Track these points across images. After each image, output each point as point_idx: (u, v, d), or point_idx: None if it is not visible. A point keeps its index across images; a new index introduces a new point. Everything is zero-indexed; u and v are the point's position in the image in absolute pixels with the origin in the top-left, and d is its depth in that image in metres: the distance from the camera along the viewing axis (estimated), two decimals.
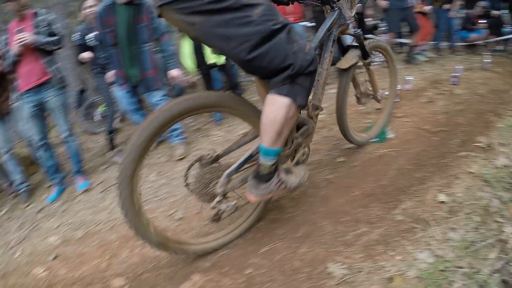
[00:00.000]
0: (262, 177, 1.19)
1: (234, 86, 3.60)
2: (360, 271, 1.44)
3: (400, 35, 6.01)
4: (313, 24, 4.57)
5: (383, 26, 6.53)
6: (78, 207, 2.65)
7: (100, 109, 4.33)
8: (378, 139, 2.65)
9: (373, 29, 6.86)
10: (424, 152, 2.55)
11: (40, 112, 2.87)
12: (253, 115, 1.34)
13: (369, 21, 6.73)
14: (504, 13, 7.71)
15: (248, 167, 1.37)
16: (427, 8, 5.79)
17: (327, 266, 1.47)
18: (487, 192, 2.08)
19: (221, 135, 3.31)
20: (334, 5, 1.57)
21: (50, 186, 3.05)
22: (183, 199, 2.29)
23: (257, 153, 1.26)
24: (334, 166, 2.39)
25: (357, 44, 1.85)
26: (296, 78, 1.04)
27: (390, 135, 2.88)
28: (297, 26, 4.03)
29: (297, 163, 1.47)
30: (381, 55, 2.30)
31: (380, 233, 1.69)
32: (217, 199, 1.33)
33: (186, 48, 3.29)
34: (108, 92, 3.49)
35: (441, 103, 3.72)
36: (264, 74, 1.04)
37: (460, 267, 1.49)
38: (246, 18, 0.93)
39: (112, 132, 3.45)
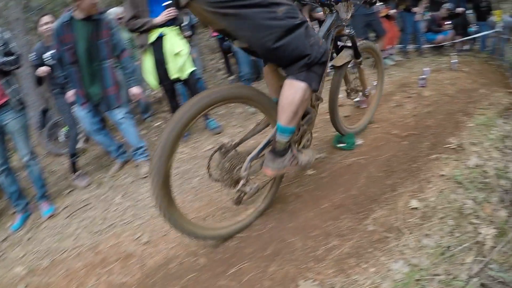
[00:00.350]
0: (278, 153, 1.47)
1: None
2: (333, 287, 1.44)
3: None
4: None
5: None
6: (43, 234, 2.70)
7: (64, 130, 4.38)
8: (347, 146, 2.68)
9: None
10: (394, 158, 2.61)
11: (0, 136, 2.87)
12: (267, 105, 1.60)
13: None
14: (469, 13, 8.40)
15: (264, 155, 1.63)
16: (392, 12, 6.15)
17: (298, 284, 1.48)
18: (460, 194, 2.16)
19: (188, 152, 3.39)
20: (333, 8, 1.90)
21: (14, 213, 3.09)
22: (149, 222, 2.36)
23: (273, 139, 1.51)
24: (303, 179, 2.43)
25: (350, 45, 2.22)
26: (312, 66, 1.29)
27: (358, 142, 2.93)
28: None
29: (303, 148, 1.77)
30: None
31: (352, 245, 1.70)
32: (242, 182, 1.56)
33: (147, 63, 3.37)
34: (70, 112, 3.54)
35: (410, 106, 3.88)
36: (284, 62, 1.29)
37: (437, 275, 1.50)
38: (272, 14, 1.16)
39: (74, 155, 3.48)
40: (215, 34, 5.97)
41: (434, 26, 7.37)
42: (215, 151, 1.67)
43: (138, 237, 2.21)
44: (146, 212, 2.49)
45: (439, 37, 7.29)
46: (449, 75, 5.38)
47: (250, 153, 1.60)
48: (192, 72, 3.46)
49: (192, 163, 3.10)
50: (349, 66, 2.43)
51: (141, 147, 3.27)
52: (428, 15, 7.81)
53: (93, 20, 2.93)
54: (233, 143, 1.69)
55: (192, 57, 3.69)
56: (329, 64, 2.11)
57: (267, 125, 1.75)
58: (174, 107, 3.61)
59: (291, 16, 1.24)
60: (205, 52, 8.00)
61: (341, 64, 2.23)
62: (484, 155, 2.87)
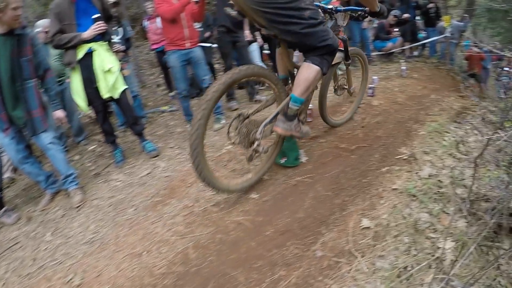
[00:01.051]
0: (288, 117, 2.10)
1: (133, 122, 3.78)
2: None
3: None
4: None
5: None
6: None
7: None
8: (289, 161, 2.76)
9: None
10: (343, 174, 2.69)
11: None
12: (276, 81, 2.32)
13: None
14: (418, 19, 9.23)
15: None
16: None
17: None
18: (414, 207, 2.25)
19: (122, 180, 3.50)
20: (333, 15, 2.62)
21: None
22: (81, 261, 2.41)
23: (286, 107, 2.16)
24: (244, 204, 2.42)
25: (342, 48, 2.95)
26: (325, 55, 1.95)
27: (303, 159, 2.98)
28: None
29: (301, 122, 2.41)
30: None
31: (300, 274, 1.69)
32: (257, 143, 2.17)
33: (75, 83, 3.42)
34: None
35: (359, 117, 4.00)
36: (306, 48, 1.97)
37: None
38: (301, 15, 1.81)
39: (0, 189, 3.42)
40: (154, 47, 6.02)
41: (383, 33, 7.97)
42: (234, 119, 2.32)
43: (70, 279, 2.26)
44: (78, 250, 2.55)
45: (388, 44, 7.89)
46: (399, 82, 5.79)
47: (263, 121, 2.26)
48: (124, 91, 3.55)
49: (127, 192, 3.21)
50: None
51: (70, 175, 3.34)
52: (375, 23, 8.47)
53: (15, 35, 2.91)
54: (248, 113, 2.33)
55: (126, 74, 3.71)
56: None
57: (275, 101, 2.49)
58: (107, 130, 3.72)
59: (313, 17, 1.94)
60: (144, 67, 8.18)
61: (332, 63, 2.67)
62: (438, 163, 3.07)
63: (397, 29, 7.91)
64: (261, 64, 5.64)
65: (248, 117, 2.34)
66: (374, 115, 4.08)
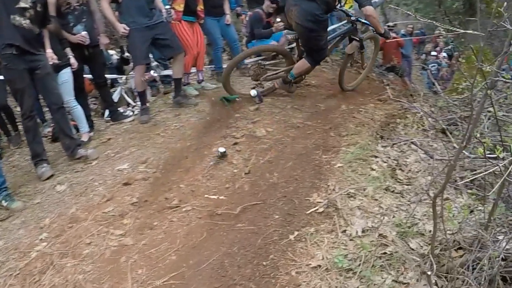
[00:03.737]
0: (285, 81, 6.12)
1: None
2: None
3: (155, 66, 7.49)
4: None
5: (131, 58, 7.33)
6: None
7: None
8: None
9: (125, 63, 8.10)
10: (228, 260, 2.66)
11: None
12: (289, 55, 6.51)
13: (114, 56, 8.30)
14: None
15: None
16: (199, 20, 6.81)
17: None
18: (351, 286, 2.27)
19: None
20: (354, 23, 6.33)
21: None
22: None
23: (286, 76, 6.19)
24: None
25: (358, 39, 6.38)
26: (315, 58, 6.00)
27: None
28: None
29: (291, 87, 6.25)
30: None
31: None
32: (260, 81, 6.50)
33: None
34: None
35: (239, 157, 4.18)
36: (309, 50, 5.99)
37: None
38: (318, 36, 5.74)
39: None
40: None
41: (259, 26, 8.26)
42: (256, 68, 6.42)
43: None
44: None
45: (272, 43, 8.23)
46: (291, 95, 6.06)
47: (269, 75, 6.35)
48: None
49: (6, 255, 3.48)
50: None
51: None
52: (247, 15, 8.80)
53: None
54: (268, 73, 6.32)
55: None
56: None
57: (290, 68, 6.08)
58: None
59: (322, 38, 5.78)
60: None
61: (350, 52, 6.49)
62: (372, 208, 3.18)
63: (279, 19, 8.29)
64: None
65: (266, 71, 6.31)
66: (263, 151, 4.21)
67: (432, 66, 12.91)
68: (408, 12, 6.23)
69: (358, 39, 6.39)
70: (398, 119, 4.98)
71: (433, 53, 13.62)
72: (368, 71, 7.27)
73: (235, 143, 4.48)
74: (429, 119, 4.62)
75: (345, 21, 7.85)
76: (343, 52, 8.15)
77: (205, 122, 5.37)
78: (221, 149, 4.30)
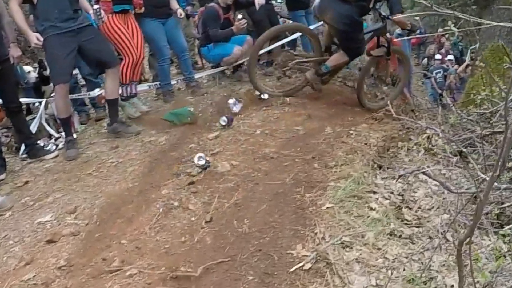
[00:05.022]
0: (319, 74, 7.43)
1: None
2: None
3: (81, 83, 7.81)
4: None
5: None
6: None
7: None
8: None
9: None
10: None
11: None
12: (315, 36, 8.21)
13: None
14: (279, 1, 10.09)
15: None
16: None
17: None
18: None
19: None
20: (384, 20, 7.56)
21: None
22: None
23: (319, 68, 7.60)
24: None
25: (385, 44, 7.52)
26: (354, 51, 7.48)
27: None
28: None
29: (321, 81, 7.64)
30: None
31: None
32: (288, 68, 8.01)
33: None
34: None
35: (198, 201, 4.12)
36: (345, 48, 7.36)
37: None
38: (354, 36, 7.25)
39: None
40: None
41: (215, 25, 8.28)
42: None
43: None
44: None
45: (234, 51, 8.25)
46: (261, 117, 6.06)
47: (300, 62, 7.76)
48: None
49: None
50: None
51: None
52: (196, 12, 8.84)
53: None
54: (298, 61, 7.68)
55: None
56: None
57: (323, 56, 7.47)
58: None
59: (358, 39, 7.18)
60: None
61: (376, 55, 7.45)
62: (375, 259, 3.13)
63: (240, 17, 8.33)
64: None
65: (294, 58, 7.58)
66: (228, 192, 4.16)
67: (436, 73, 13.03)
68: (402, 8, 6.53)
69: (386, 44, 7.36)
70: (399, 142, 4.98)
71: (437, 56, 13.78)
72: (403, 84, 8.15)
73: (191, 183, 4.41)
74: (440, 139, 4.61)
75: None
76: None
77: (151, 156, 5.31)
78: (200, 160, 4.39)
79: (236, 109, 6.12)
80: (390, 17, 7.10)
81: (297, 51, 9.22)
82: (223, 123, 5.60)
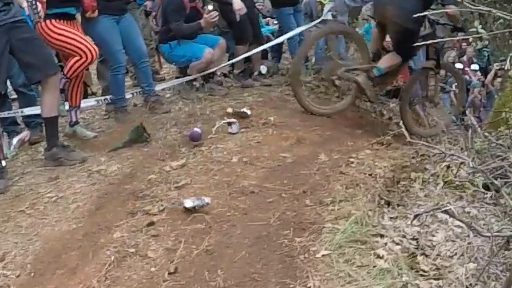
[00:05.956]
0: (370, 78, 8.30)
1: None
2: None
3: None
4: None
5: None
6: None
7: None
8: None
9: None
10: None
11: None
12: (361, 41, 9.36)
13: None
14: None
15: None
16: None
17: None
18: None
19: None
20: (433, 25, 8.72)
21: None
22: None
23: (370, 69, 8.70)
24: None
25: (434, 56, 8.89)
26: (407, 52, 8.52)
27: None
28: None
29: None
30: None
31: None
32: (337, 77, 9.06)
33: None
34: None
35: (156, 247, 4.08)
36: (400, 48, 8.31)
37: None
38: (415, 35, 8.20)
39: None
40: None
41: (180, 16, 8.30)
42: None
43: None
44: None
45: (206, 52, 8.26)
46: (237, 141, 6.04)
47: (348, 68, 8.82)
48: None
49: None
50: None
51: None
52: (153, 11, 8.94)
53: None
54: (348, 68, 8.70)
55: None
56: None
57: (369, 63, 8.39)
58: None
59: (415, 38, 7.63)
60: None
61: (424, 66, 8.71)
62: None
63: (211, 8, 8.39)
64: None
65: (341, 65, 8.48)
66: (197, 235, 4.15)
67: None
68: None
69: (435, 57, 8.34)
70: (412, 172, 4.98)
71: (458, 65, 13.87)
72: (461, 103, 9.61)
73: (151, 224, 4.38)
74: (463, 169, 4.60)
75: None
76: (316, 69, 9.83)
77: (99, 189, 5.28)
78: (188, 202, 4.39)
79: (233, 129, 6.08)
80: (440, 21, 7.90)
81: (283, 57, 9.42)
82: (234, 131, 5.63)
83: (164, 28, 8.20)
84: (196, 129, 6.05)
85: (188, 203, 4.29)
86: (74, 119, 6.86)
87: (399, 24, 7.23)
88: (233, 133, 6.15)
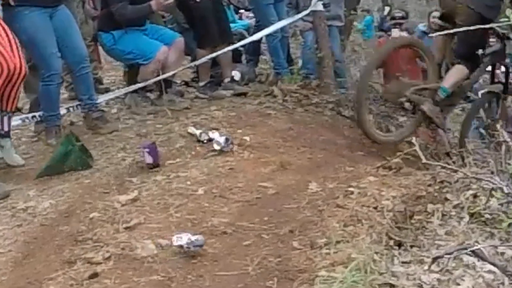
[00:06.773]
0: (434, 102, 9.49)
1: None
2: None
3: None
4: None
5: None
6: None
7: None
8: None
9: None
10: None
11: None
12: (431, 55, 10.28)
13: None
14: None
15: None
16: None
17: None
18: None
19: None
20: (503, 40, 9.99)
21: None
22: None
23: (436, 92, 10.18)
24: None
25: (504, 81, 10.46)
26: (475, 62, 10.76)
27: None
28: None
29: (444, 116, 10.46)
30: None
31: None
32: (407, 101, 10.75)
33: None
34: None
35: None
36: (471, 54, 10.26)
37: None
38: (471, 38, 10.61)
39: None
40: None
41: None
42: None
43: None
44: None
45: (161, 51, 8.29)
46: (204, 168, 5.98)
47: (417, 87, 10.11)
48: None
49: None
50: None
51: None
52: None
53: None
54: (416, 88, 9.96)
55: None
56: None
57: (439, 78, 9.76)
58: None
59: (477, 43, 10.14)
60: None
61: (489, 90, 9.67)
62: None
63: None
64: None
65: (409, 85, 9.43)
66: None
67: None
68: None
69: (503, 79, 9.07)
70: (429, 204, 4.87)
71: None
72: None
73: (94, 275, 4.27)
74: (495, 198, 4.54)
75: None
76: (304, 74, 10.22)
77: (28, 232, 5.23)
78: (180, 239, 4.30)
79: (227, 147, 6.03)
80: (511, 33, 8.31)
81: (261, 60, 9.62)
82: (219, 147, 5.57)
83: (105, 12, 8.06)
84: (150, 144, 5.99)
85: (181, 240, 4.18)
86: (6, 129, 6.65)
87: (471, 10, 7.42)
88: (219, 150, 6.07)
